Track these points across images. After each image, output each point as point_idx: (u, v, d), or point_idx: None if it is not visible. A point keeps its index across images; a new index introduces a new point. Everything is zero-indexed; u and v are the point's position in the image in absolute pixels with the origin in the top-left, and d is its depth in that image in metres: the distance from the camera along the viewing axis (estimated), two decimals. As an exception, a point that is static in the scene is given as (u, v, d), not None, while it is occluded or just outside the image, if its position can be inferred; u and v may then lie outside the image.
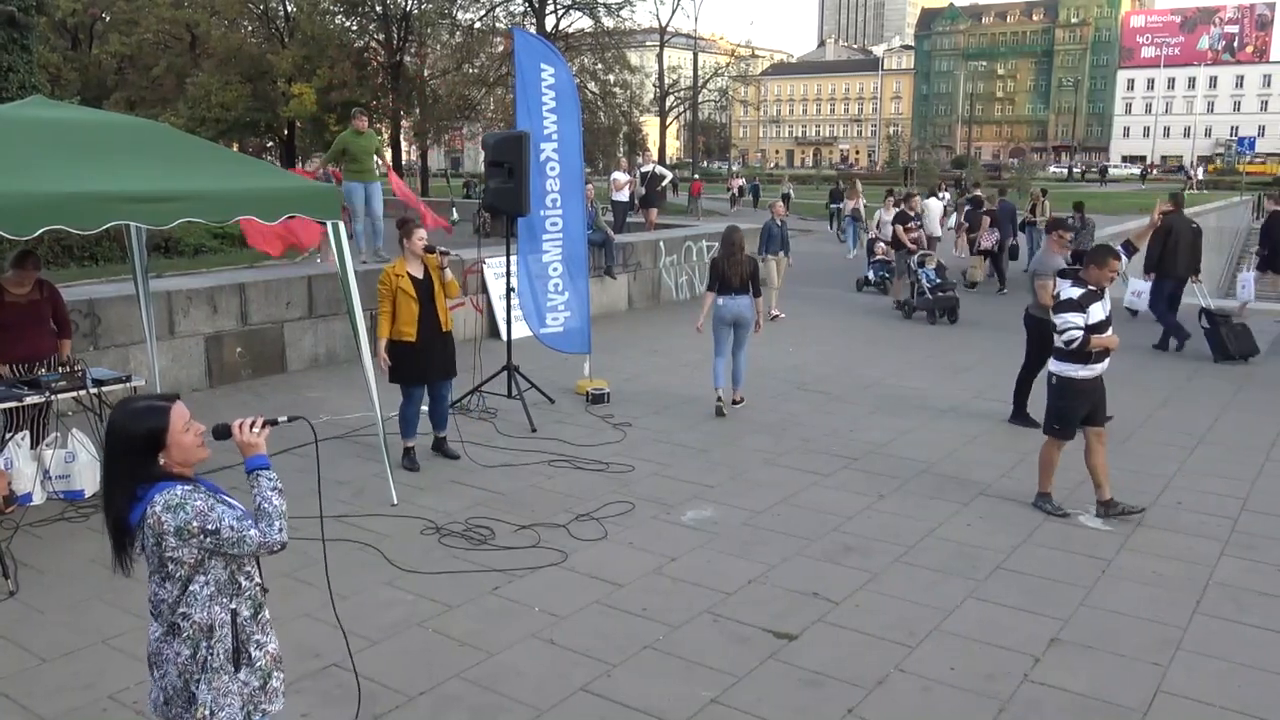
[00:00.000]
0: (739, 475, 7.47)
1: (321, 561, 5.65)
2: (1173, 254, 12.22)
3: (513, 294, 9.33)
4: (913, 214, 15.80)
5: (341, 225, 6.64)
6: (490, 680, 4.52)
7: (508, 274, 9.54)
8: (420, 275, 7.35)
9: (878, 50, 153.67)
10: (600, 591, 5.45)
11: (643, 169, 22.32)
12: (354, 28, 41.78)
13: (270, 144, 47.55)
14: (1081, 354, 6.39)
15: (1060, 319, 6.40)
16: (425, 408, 7.66)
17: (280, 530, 2.79)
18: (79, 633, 4.91)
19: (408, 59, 41.94)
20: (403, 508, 6.62)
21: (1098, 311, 6.38)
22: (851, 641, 4.93)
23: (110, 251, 15.13)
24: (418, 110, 42.39)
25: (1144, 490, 7.19)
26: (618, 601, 5.34)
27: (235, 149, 30.26)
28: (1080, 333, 6.29)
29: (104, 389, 6.80)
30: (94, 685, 4.43)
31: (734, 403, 9.37)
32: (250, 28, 42.42)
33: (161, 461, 2.75)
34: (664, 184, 21.96)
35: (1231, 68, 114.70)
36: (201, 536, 2.68)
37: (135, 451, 2.72)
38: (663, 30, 43.27)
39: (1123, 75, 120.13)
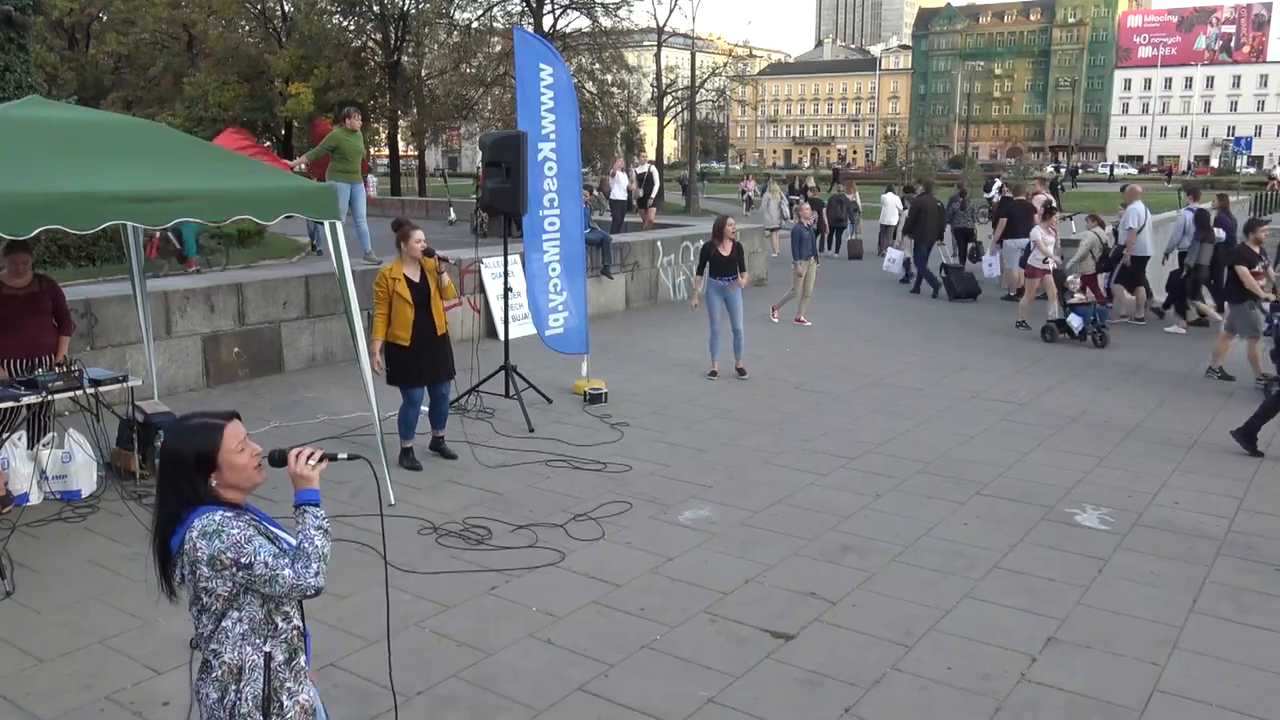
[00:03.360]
0: (736, 475, 7.47)
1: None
2: (923, 225, 16.80)
3: (510, 294, 9.33)
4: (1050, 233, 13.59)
5: (339, 226, 6.64)
6: (488, 680, 4.52)
7: (505, 274, 9.55)
8: (417, 278, 7.34)
9: (875, 50, 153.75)
10: (598, 591, 5.45)
11: (639, 169, 22.34)
12: (351, 27, 41.70)
13: (268, 144, 47.51)
14: None
15: None
16: (425, 408, 7.65)
17: (317, 574, 2.53)
18: (76, 633, 4.91)
19: (405, 58, 41.88)
20: (400, 508, 6.62)
21: None
22: (849, 641, 4.94)
23: (107, 251, 15.10)
24: (415, 110, 42.36)
25: (1140, 491, 7.20)
26: (615, 601, 5.34)
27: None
28: None
29: (101, 389, 6.80)
30: (92, 686, 4.42)
31: (738, 370, 10.44)
32: (247, 27, 42.31)
33: (214, 484, 2.59)
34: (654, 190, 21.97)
35: (1228, 68, 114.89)
36: (234, 569, 2.49)
37: (184, 472, 2.57)
38: (660, 30, 43.18)
39: (1120, 75, 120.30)
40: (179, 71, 40.16)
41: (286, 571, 2.50)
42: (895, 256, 18.25)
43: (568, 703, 4.36)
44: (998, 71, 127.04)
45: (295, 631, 2.67)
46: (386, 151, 46.90)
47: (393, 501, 6.66)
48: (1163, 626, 5.12)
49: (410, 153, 52.46)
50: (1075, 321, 12.76)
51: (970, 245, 18.96)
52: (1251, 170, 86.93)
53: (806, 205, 15.99)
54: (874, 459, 7.90)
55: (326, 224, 6.68)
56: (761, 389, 10.10)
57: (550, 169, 9.39)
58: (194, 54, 40.75)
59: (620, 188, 20.79)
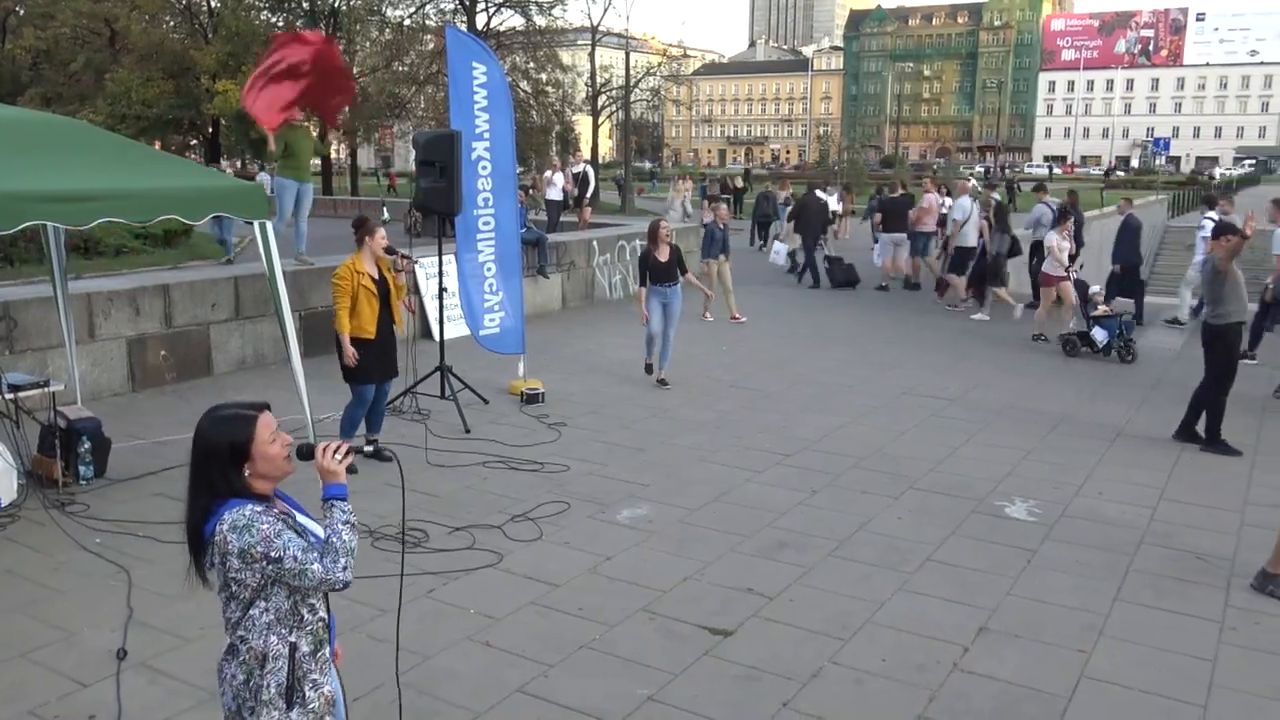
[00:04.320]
0: (673, 474, 7.50)
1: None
2: (808, 221, 18.01)
3: (445, 294, 9.26)
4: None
5: (269, 225, 6.53)
6: (426, 684, 4.48)
7: (440, 274, 9.48)
8: (376, 275, 7.28)
9: (807, 51, 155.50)
10: (536, 592, 5.44)
11: (574, 169, 22.31)
12: (280, 24, 41.02)
13: (194, 142, 46.52)
14: None
15: None
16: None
17: (345, 569, 2.59)
18: (-3, 646, 4.76)
19: (336, 56, 41.38)
20: (335, 511, 6.52)
21: None
22: (786, 636, 4.99)
23: (26, 253, 14.64)
24: (346, 108, 41.82)
25: (1066, 482, 7.39)
26: (554, 602, 5.33)
27: (158, 147, 29.57)
28: None
29: (20, 394, 6.61)
30: (15, 700, 4.29)
31: (659, 382, 10.05)
32: (172, 23, 41.40)
33: (246, 474, 2.63)
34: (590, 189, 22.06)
35: (1147, 71, 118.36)
36: (264, 563, 2.54)
37: (218, 462, 2.61)
38: (594, 29, 43.17)
39: (1044, 77, 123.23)
40: (101, 68, 39.13)
41: (315, 566, 2.55)
42: (780, 249, 19.10)
43: (507, 704, 4.34)
44: (927, 73, 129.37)
45: (321, 623, 2.72)
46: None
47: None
48: (1088, 615, 5.26)
49: (341, 153, 51.73)
50: (1099, 335, 12.02)
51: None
52: (1170, 169, 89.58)
53: (723, 206, 16.12)
54: (809, 455, 7.99)
55: (256, 223, 6.56)
56: (696, 388, 10.15)
57: (484, 168, 9.33)
58: (116, 50, 39.74)
59: (556, 188, 20.76)
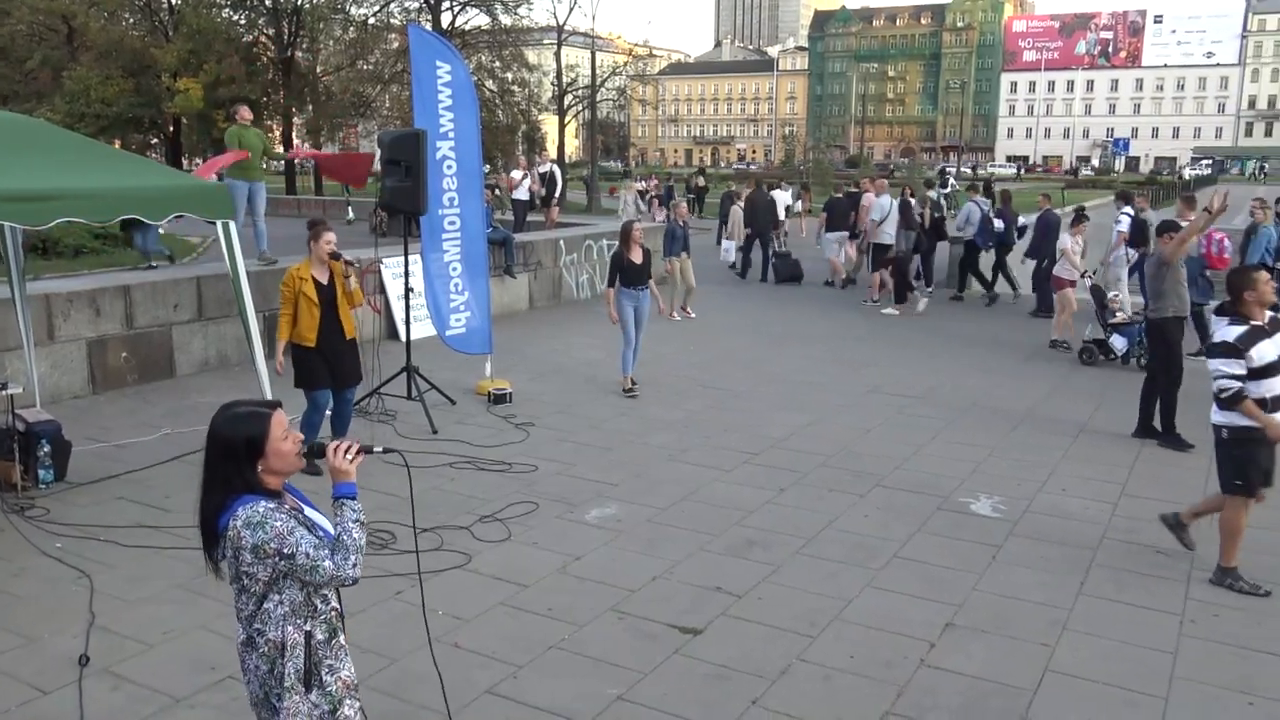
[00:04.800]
0: (642, 473, 7.51)
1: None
2: (758, 219, 18.68)
3: (412, 294, 9.20)
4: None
5: (233, 225, 6.47)
6: (394, 687, 4.46)
7: (405, 274, 9.42)
8: (325, 280, 7.20)
9: (773, 51, 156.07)
10: (505, 593, 5.42)
11: (540, 169, 22.27)
12: (242, 21, 40.53)
13: (155, 141, 45.91)
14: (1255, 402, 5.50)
15: (1213, 366, 5.58)
16: (328, 412, 7.50)
17: (354, 565, 2.71)
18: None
19: (299, 54, 40.91)
20: (301, 514, 6.46)
21: (1268, 351, 5.50)
22: (755, 634, 5.01)
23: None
24: (310, 107, 41.39)
25: (1030, 479, 7.47)
26: (523, 602, 5.32)
27: (117, 146, 29.14)
28: (1234, 384, 5.47)
29: (-22, 397, 6.49)
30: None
31: (629, 388, 9.85)
32: (132, 20, 40.79)
33: (259, 470, 2.73)
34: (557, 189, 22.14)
35: (1107, 72, 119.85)
36: (277, 559, 2.65)
37: (234, 458, 2.70)
38: (560, 29, 43.06)
39: (1006, 78, 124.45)
40: (58, 65, 38.45)
41: (327, 563, 2.67)
42: (729, 246, 19.66)
43: (476, 706, 4.33)
44: (891, 73, 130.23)
45: (334, 612, 2.84)
46: (281, 150, 45.70)
47: (293, 507, 6.50)
48: (1053, 609, 5.33)
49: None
50: (1119, 343, 11.56)
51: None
52: (1127, 170, 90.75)
53: (683, 204, 16.26)
54: (776, 454, 8.02)
55: (219, 223, 6.49)
56: (665, 387, 10.16)
57: (449, 167, 9.28)
58: (74, 47, 39.07)
59: (523, 188, 20.72)
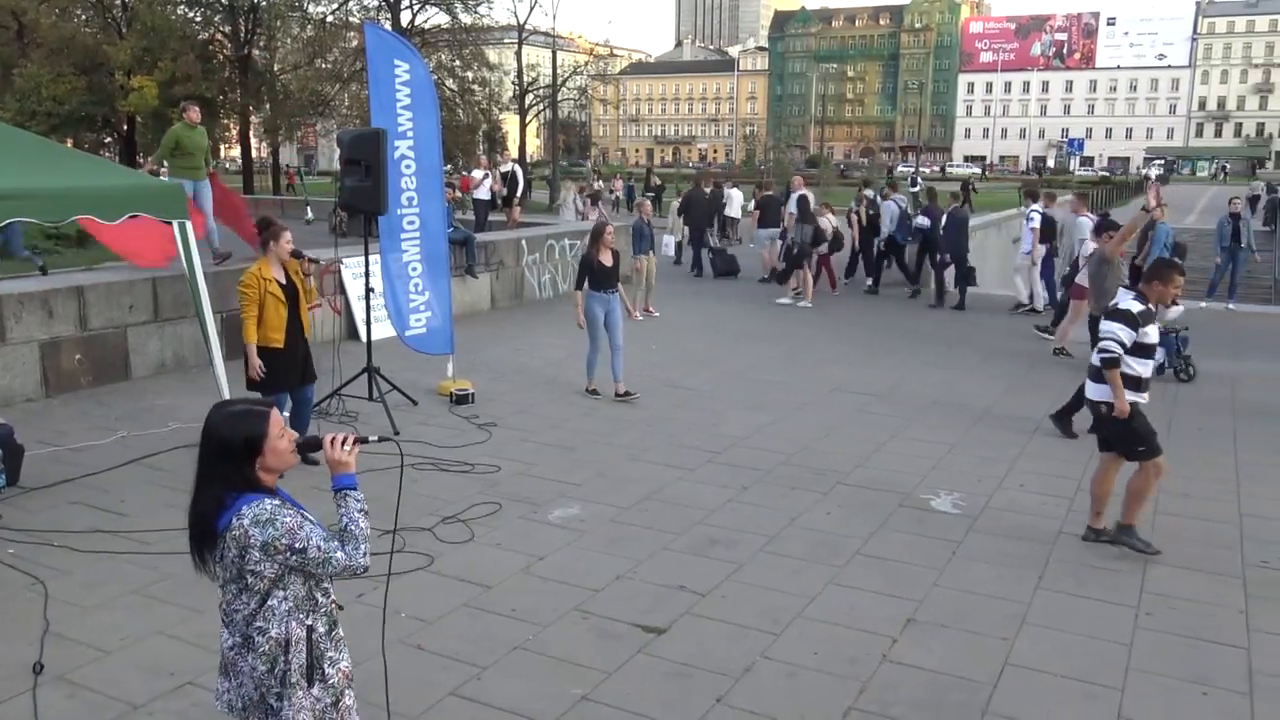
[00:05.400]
0: (605, 473, 7.51)
1: (175, 576, 5.44)
2: (693, 213, 19.35)
3: (372, 294, 9.13)
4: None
5: (189, 225, 6.39)
6: (357, 689, 4.40)
7: (366, 274, 9.33)
8: (284, 280, 7.13)
9: (733, 51, 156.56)
10: (468, 594, 5.40)
11: (502, 169, 22.21)
12: (198, 19, 40.00)
13: (108, 140, 45.18)
14: (1132, 379, 5.98)
15: (1107, 327, 6.00)
16: (286, 413, 7.43)
17: (365, 554, 2.77)
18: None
19: (256, 52, 40.44)
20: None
21: (1153, 333, 6.03)
22: (718, 632, 5.03)
23: (-70, 254, 14.10)
24: (268, 106, 40.94)
25: (989, 475, 7.56)
26: (486, 603, 5.30)
27: (70, 145, 28.65)
28: (1118, 350, 5.90)
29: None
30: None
31: (624, 395, 9.60)
32: (84, 17, 40.08)
33: (257, 468, 2.74)
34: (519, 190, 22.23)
35: (1062, 73, 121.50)
36: (288, 554, 2.67)
37: (232, 457, 2.71)
38: (521, 28, 42.95)
39: (963, 79, 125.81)
40: (8, 63, 37.70)
41: (339, 554, 2.72)
42: (669, 241, 20.46)
43: (440, 708, 4.31)
44: (850, 74, 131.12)
45: (334, 605, 2.88)
46: (239, 149, 45.17)
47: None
48: (1012, 604, 5.40)
49: (263, 152, 50.72)
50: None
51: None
52: (1086, 170, 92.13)
53: (647, 202, 16.35)
54: (739, 452, 8.05)
55: (175, 224, 6.41)
56: (628, 386, 10.14)
57: (408, 167, 9.22)
58: (25, 44, 38.32)
59: (484, 187, 20.68)
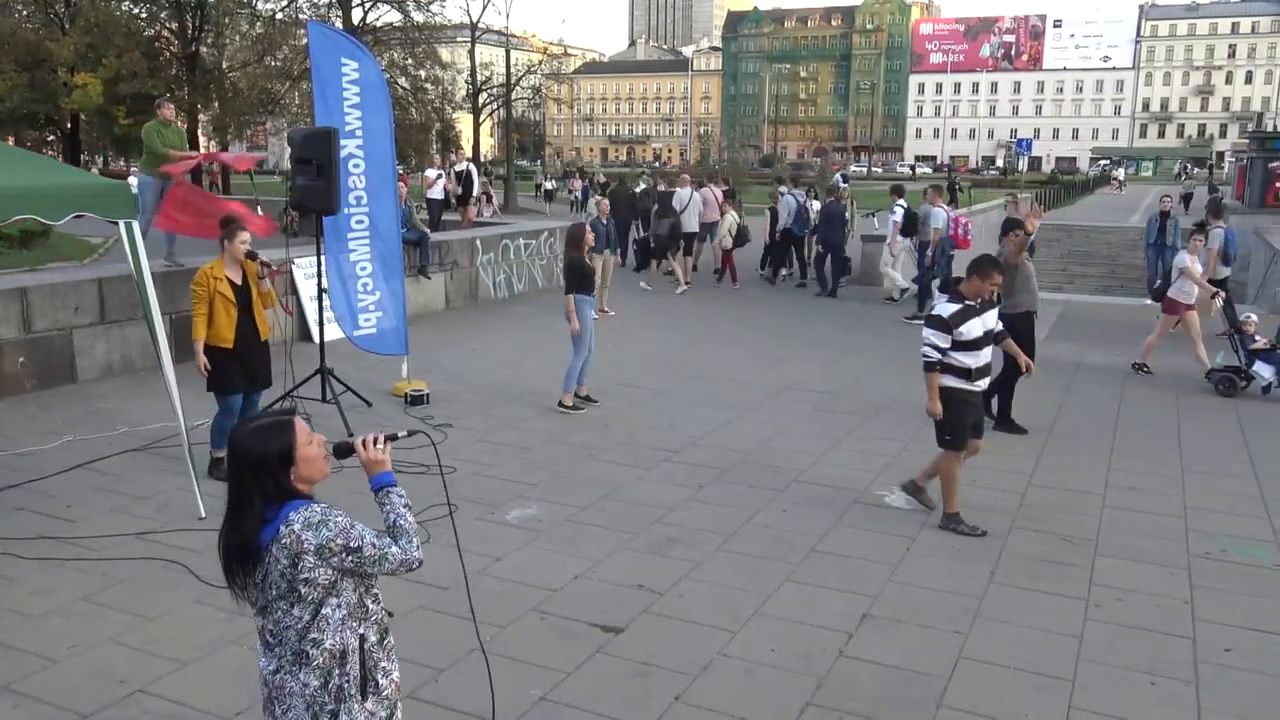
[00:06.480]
0: (562, 473, 7.49)
1: (125, 582, 5.35)
2: (619, 209, 18.56)
3: (325, 295, 9.03)
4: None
5: (136, 225, 6.27)
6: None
7: (319, 274, 9.23)
8: (239, 280, 7.02)
9: (687, 51, 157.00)
10: (425, 596, 5.36)
11: (457, 168, 22.08)
12: (143, 15, 39.28)
13: (51, 137, 44.25)
14: (962, 370, 6.37)
15: (924, 335, 6.44)
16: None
17: (417, 547, 2.75)
18: None
19: (204, 49, 39.81)
20: (211, 520, 6.30)
21: (975, 328, 6.33)
22: (677, 630, 5.04)
23: None
24: (216, 104, 40.31)
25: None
26: (443, 605, 5.26)
27: (11, 143, 28.02)
28: (934, 355, 6.33)
29: None
30: None
31: (586, 398, 9.51)
32: (25, 12, 39.22)
33: (291, 479, 2.68)
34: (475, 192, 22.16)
35: (1010, 75, 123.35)
36: (344, 555, 2.61)
37: (267, 472, 2.65)
38: (474, 26, 42.68)
39: (914, 79, 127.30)
40: (-54, 59, 36.81)
41: (394, 549, 2.70)
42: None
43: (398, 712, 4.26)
44: (803, 74, 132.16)
45: (383, 612, 2.81)
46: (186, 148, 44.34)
47: (204, 515, 6.34)
48: (965, 598, 5.47)
49: (212, 148, 49.90)
50: (1265, 371, 10.13)
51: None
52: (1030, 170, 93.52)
53: (605, 201, 16.42)
54: (696, 451, 8.07)
55: (122, 223, 6.28)
56: (584, 386, 10.12)
57: (356, 166, 9.12)
58: (-38, 40, 37.42)
59: (437, 187, 20.55)
